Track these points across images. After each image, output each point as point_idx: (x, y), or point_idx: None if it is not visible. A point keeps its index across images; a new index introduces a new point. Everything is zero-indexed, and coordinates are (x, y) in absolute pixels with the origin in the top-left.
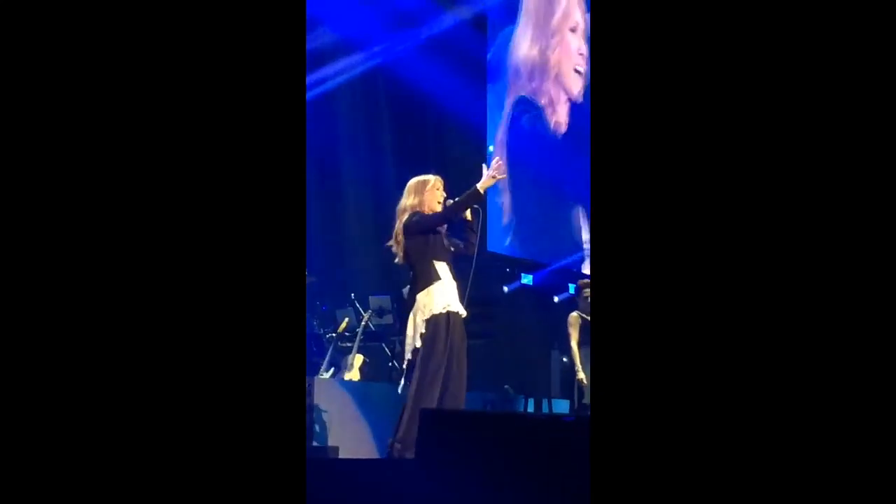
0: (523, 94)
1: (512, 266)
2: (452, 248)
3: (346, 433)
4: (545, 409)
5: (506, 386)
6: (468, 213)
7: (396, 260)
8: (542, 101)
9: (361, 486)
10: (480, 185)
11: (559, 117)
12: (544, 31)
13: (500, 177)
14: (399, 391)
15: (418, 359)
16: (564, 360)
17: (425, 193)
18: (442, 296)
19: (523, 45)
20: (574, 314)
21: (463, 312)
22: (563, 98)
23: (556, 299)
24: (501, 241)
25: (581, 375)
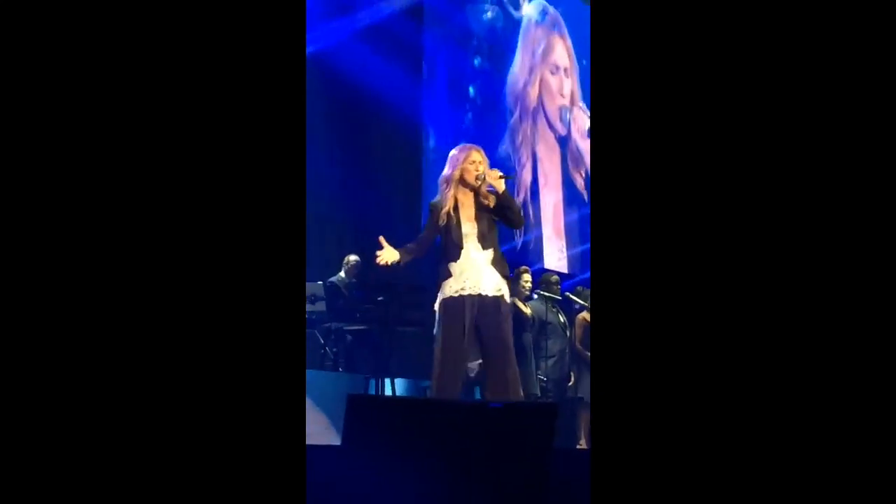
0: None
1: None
2: (496, 218)
3: None
4: (478, 397)
5: None
6: (500, 185)
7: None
8: (518, 139)
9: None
10: (499, 189)
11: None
12: (529, 68)
13: (500, 177)
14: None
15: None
16: None
17: (462, 164)
18: (457, 278)
19: (515, 71)
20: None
21: (492, 294)
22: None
23: None
24: None
25: None
